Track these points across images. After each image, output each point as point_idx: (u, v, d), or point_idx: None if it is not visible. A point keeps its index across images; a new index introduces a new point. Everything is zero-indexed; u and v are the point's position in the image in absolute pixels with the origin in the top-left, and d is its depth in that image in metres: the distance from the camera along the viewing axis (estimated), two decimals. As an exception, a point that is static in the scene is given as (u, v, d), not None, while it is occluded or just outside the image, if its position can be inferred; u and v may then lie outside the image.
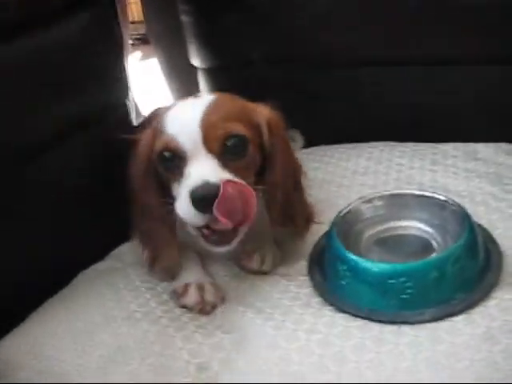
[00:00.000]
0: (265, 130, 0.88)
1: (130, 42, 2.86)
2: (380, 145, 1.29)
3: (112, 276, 1.03)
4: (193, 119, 0.83)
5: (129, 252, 1.09)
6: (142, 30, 3.12)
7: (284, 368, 0.74)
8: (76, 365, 0.82)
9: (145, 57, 2.96)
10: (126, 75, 1.25)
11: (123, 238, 1.13)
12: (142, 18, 2.70)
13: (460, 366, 0.70)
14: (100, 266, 1.09)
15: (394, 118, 1.32)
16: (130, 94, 1.28)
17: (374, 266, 0.80)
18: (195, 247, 0.94)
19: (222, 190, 0.76)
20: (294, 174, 0.92)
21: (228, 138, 0.83)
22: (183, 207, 0.80)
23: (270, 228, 0.94)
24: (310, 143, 1.36)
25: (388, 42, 1.27)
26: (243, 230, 0.83)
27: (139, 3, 2.46)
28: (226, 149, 0.83)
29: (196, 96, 0.91)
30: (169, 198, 0.86)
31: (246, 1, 1.32)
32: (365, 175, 1.15)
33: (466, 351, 0.72)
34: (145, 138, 0.90)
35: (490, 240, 0.90)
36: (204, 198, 0.77)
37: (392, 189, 1.06)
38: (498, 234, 0.93)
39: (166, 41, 1.77)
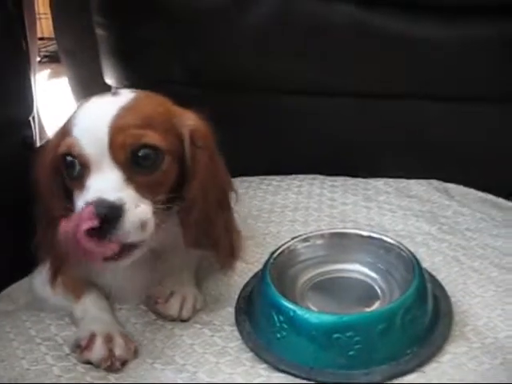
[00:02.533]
0: (187, 140, 0.77)
1: (38, 59, 2.69)
2: (308, 177, 1.21)
3: (1, 323, 0.86)
4: (101, 122, 0.72)
5: (22, 292, 0.94)
6: (51, 46, 2.95)
7: None
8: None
9: (54, 75, 2.78)
10: (31, 91, 1.12)
11: (15, 276, 0.98)
12: (52, 34, 2.54)
13: None
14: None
15: (319, 150, 1.25)
16: (34, 111, 1.14)
17: (316, 317, 0.70)
18: (103, 283, 0.84)
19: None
20: (220, 191, 0.82)
21: (138, 147, 0.72)
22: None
23: (188, 258, 0.87)
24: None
25: (315, 71, 1.21)
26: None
27: (50, 18, 2.31)
28: (134, 160, 0.72)
29: (115, 92, 0.80)
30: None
31: (166, 14, 1.21)
32: (295, 211, 1.06)
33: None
34: (53, 137, 0.79)
35: (436, 285, 0.82)
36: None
37: (326, 226, 0.97)
38: (441, 278, 0.86)
39: (78, 57, 1.63)
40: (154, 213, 0.72)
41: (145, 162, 0.73)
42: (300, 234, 0.86)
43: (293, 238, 0.84)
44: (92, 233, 0.67)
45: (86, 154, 0.71)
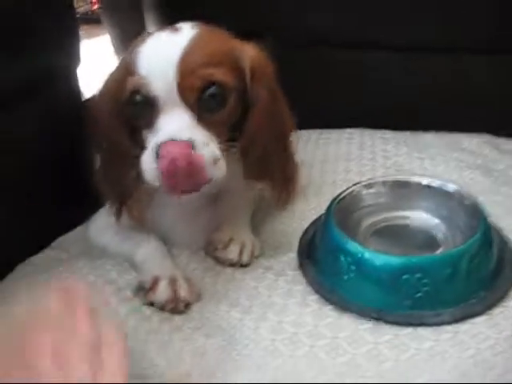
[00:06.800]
0: (248, 74, 0.76)
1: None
2: (358, 130, 1.19)
3: (58, 268, 0.87)
4: (169, 61, 0.71)
5: (75, 242, 0.94)
6: (82, 8, 2.94)
7: (287, 381, 0.62)
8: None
9: (86, 36, 2.77)
10: (78, 43, 1.11)
11: (66, 227, 0.99)
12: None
13: (492, 375, 0.60)
14: (40, 257, 0.93)
15: (366, 104, 1.23)
16: (80, 63, 1.14)
17: (385, 258, 0.69)
18: (161, 229, 0.85)
19: (167, 165, 0.68)
20: (279, 129, 0.80)
21: (207, 86, 0.71)
22: (147, 162, 0.71)
23: (244, 204, 0.89)
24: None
25: (370, 25, 1.19)
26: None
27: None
28: (203, 99, 0.72)
29: (175, 28, 0.76)
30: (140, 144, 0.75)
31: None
32: (348, 161, 1.05)
33: (495, 358, 0.63)
34: (115, 72, 0.78)
35: (498, 234, 0.80)
36: None
37: (381, 176, 0.96)
38: (502, 227, 0.84)
39: (121, 11, 1.61)
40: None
41: (213, 100, 0.72)
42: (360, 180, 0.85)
43: (355, 184, 0.83)
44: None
45: (155, 95, 0.71)
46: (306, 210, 0.91)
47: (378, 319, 0.68)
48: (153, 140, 0.70)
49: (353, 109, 1.24)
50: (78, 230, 0.97)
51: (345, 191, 0.81)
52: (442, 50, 1.18)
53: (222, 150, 0.72)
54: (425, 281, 0.67)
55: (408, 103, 1.22)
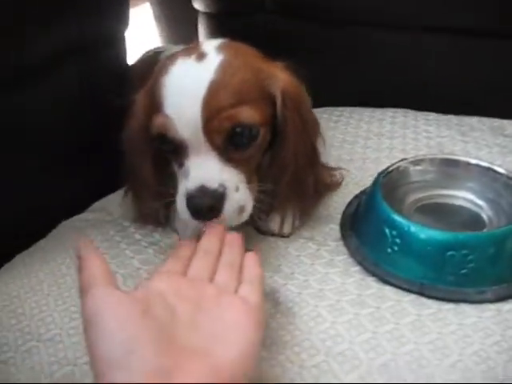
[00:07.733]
0: (279, 101, 0.73)
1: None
2: (400, 110, 1.18)
3: (104, 227, 0.89)
4: (194, 102, 0.67)
5: (117, 204, 0.95)
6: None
7: (332, 346, 0.62)
8: (67, 328, 0.69)
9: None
10: (128, 7, 1.12)
11: (108, 188, 1.00)
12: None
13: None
14: (85, 216, 0.95)
15: (405, 85, 1.22)
16: (128, 27, 1.15)
17: (431, 233, 0.69)
18: None
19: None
20: (310, 148, 0.79)
21: (234, 127, 0.69)
22: (180, 206, 0.71)
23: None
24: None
25: (413, 6, 1.17)
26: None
27: None
28: (232, 139, 0.70)
29: (200, 52, 0.72)
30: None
31: None
32: (392, 139, 1.04)
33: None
34: (139, 100, 0.77)
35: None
36: (199, 207, 0.68)
37: (427, 153, 0.96)
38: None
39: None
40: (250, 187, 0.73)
41: (242, 139, 0.70)
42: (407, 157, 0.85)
43: (401, 160, 0.83)
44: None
45: (182, 138, 0.69)
46: (349, 183, 0.91)
47: (420, 293, 0.68)
48: (183, 184, 0.70)
49: (389, 88, 1.23)
50: (120, 192, 0.97)
51: (391, 166, 0.81)
52: (481, 34, 1.16)
53: (252, 189, 0.73)
54: (470, 257, 0.67)
55: (450, 87, 1.21)
